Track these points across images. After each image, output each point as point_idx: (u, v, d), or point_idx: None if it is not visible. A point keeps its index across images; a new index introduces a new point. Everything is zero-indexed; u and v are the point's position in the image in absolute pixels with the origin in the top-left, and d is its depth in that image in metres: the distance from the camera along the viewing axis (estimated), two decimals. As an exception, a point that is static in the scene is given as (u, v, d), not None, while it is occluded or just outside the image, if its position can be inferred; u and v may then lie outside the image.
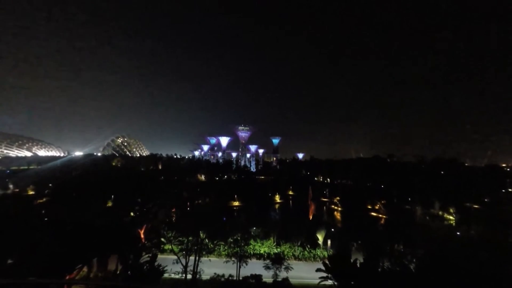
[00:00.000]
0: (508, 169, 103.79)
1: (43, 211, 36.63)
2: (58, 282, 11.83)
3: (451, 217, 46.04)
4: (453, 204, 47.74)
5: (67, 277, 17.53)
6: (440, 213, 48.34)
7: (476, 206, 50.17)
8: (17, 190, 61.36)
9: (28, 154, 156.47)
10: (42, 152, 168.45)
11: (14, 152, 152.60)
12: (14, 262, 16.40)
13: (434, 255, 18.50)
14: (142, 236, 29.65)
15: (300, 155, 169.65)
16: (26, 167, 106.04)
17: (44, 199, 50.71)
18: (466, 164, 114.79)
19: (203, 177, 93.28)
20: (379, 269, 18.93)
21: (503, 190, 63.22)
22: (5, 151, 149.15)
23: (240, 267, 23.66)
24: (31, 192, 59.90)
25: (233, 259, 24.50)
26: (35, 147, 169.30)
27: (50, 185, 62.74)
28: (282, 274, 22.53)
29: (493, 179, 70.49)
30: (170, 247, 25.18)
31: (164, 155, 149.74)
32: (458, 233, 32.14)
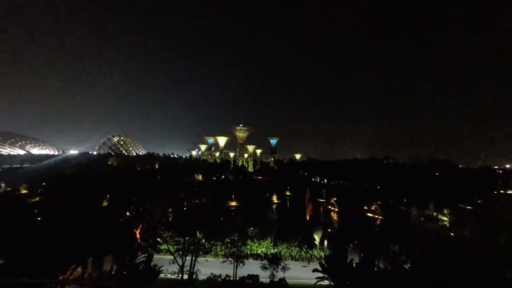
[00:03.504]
0: (501, 171, 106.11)
1: (36, 211, 35.99)
2: (52, 282, 11.64)
3: (445, 218, 46.80)
4: (447, 205, 48.53)
5: (61, 277, 17.25)
6: (435, 214, 49.10)
7: (469, 207, 51.07)
8: (9, 189, 60.11)
9: (21, 152, 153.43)
10: (36, 151, 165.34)
11: (7, 150, 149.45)
12: (6, 262, 16.07)
13: (429, 256, 18.76)
14: (138, 236, 29.38)
15: (298, 156, 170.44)
16: (19, 166, 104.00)
17: (38, 198, 49.84)
18: (460, 166, 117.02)
19: (200, 177, 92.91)
20: (375, 269, 19.12)
21: (495, 192, 64.49)
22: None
23: (237, 267, 23.62)
24: (24, 191, 58.74)
25: (230, 259, 24.45)
26: (29, 145, 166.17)
27: (44, 184, 61.66)
28: (279, 274, 22.58)
29: (486, 181, 71.87)
30: (166, 247, 25.02)
31: (161, 154, 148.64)
32: (452, 233, 32.65)
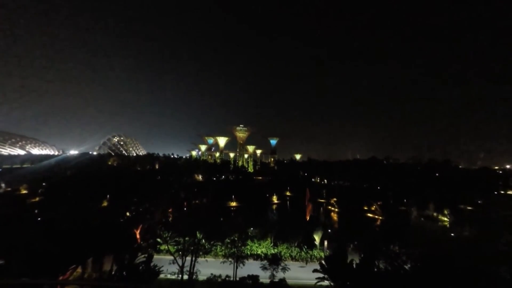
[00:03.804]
0: (501, 172, 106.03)
1: (36, 211, 36.00)
2: (52, 282, 11.62)
3: (445, 219, 46.77)
4: (447, 206, 48.50)
5: (61, 278, 17.24)
6: (435, 214, 49.05)
7: (469, 208, 51.03)
8: (9, 189, 60.18)
9: (22, 152, 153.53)
10: (36, 151, 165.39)
11: (7, 150, 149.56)
12: (6, 262, 16.06)
13: (429, 256, 18.75)
14: (138, 236, 29.36)
15: (298, 156, 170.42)
16: (19, 166, 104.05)
17: (38, 199, 49.88)
18: (460, 167, 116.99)
19: (200, 177, 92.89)
20: (375, 270, 19.09)
21: (496, 192, 64.45)
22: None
23: (237, 267, 23.60)
24: (24, 191, 58.80)
25: (230, 259, 24.43)
26: (29, 145, 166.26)
27: (44, 184, 61.69)
28: (279, 274, 22.56)
29: (486, 182, 71.81)
30: (166, 247, 24.99)
31: (161, 154, 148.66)
32: (452, 234, 32.62)
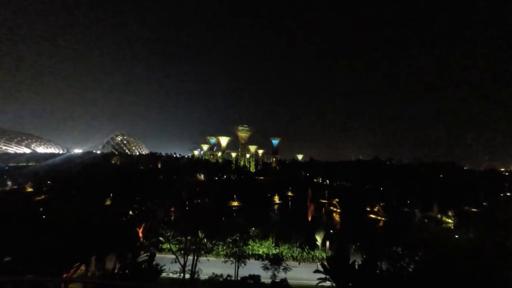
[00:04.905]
0: (507, 174, 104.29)
1: (41, 209, 36.49)
2: (56, 280, 11.81)
3: (449, 220, 46.17)
4: (451, 208, 47.88)
5: (65, 275, 17.46)
6: (439, 216, 48.46)
7: (474, 210, 50.30)
8: (15, 187, 61.21)
9: (27, 150, 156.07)
10: (41, 149, 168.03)
11: (13, 149, 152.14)
12: (11, 259, 16.32)
13: (432, 258, 18.54)
14: (140, 235, 29.58)
15: (300, 156, 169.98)
16: (24, 164, 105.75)
17: (43, 196, 50.59)
18: (465, 168, 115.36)
19: (202, 177, 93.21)
20: (377, 271, 18.94)
21: (502, 194, 63.40)
22: (4, 147, 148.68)
23: (238, 267, 23.63)
24: (29, 189, 59.73)
25: (231, 259, 24.47)
26: (34, 144, 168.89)
27: (49, 182, 62.57)
28: (281, 274, 22.52)
29: (491, 183, 70.70)
30: (168, 246, 25.12)
31: (163, 154, 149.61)
32: (456, 236, 32.19)
